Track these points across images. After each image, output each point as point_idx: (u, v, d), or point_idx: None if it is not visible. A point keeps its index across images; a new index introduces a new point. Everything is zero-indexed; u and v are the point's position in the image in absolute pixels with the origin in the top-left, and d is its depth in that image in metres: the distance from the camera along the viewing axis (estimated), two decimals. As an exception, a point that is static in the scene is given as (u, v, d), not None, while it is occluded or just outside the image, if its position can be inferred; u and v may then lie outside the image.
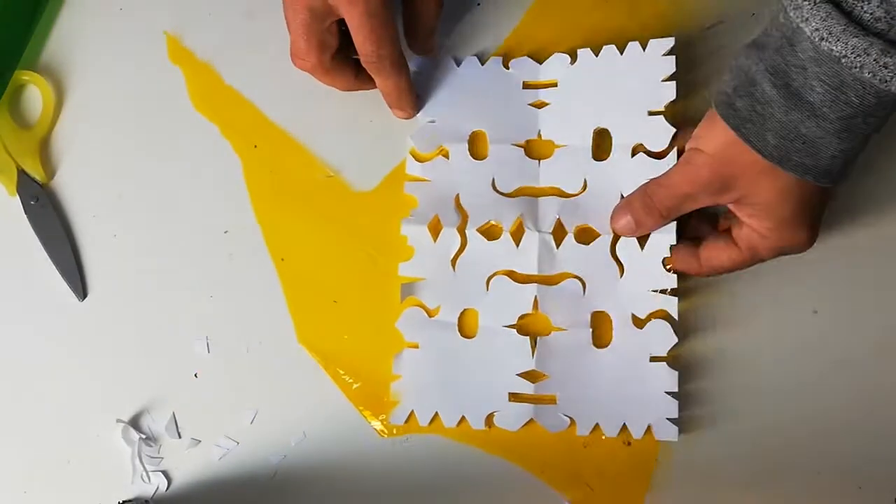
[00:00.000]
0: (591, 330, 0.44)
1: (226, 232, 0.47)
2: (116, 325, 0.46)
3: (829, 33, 0.34)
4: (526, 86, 0.47)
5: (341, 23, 0.43)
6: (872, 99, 0.35)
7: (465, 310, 0.45)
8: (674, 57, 0.45)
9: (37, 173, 0.47)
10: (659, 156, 0.45)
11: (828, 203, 0.40)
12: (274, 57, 0.47)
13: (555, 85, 0.47)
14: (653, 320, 0.44)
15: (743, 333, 0.46)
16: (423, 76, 0.48)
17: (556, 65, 0.47)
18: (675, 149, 0.44)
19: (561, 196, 0.46)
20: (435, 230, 0.46)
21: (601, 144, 0.46)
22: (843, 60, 0.34)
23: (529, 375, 0.44)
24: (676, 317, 0.44)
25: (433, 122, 0.47)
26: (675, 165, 0.42)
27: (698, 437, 0.44)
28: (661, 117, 0.45)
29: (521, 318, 0.45)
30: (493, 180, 0.46)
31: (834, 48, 0.34)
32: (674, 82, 0.45)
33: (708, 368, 0.45)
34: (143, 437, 0.45)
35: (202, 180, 0.48)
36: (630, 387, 0.44)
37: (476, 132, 0.47)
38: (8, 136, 0.48)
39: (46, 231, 0.47)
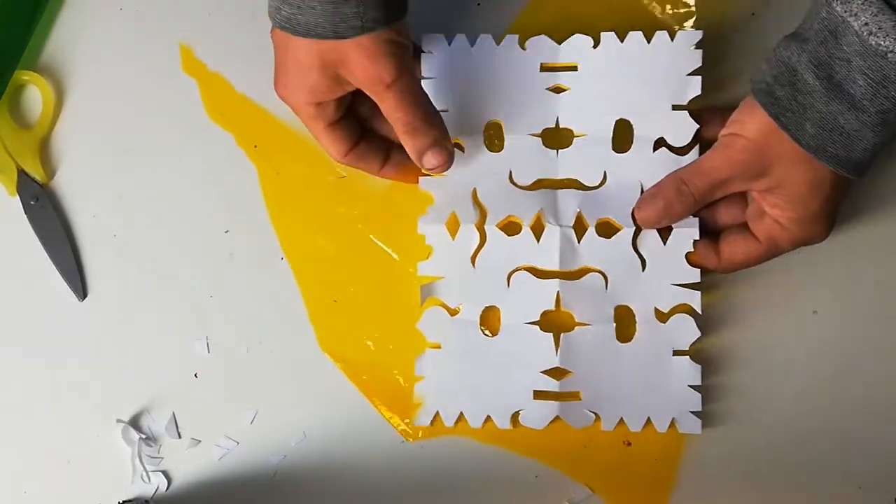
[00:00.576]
0: (614, 324, 0.44)
1: (226, 232, 0.47)
2: (116, 325, 0.46)
3: (879, 28, 0.35)
4: (543, 68, 0.45)
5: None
6: None
7: (486, 307, 0.44)
8: (701, 51, 0.43)
9: (37, 173, 0.47)
10: (681, 152, 0.43)
11: (844, 199, 0.41)
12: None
13: (575, 69, 0.45)
14: (676, 314, 0.44)
15: (747, 332, 0.46)
16: (433, 59, 0.45)
17: (578, 47, 0.45)
18: (697, 145, 0.43)
19: (580, 188, 0.44)
20: (453, 227, 0.44)
21: (621, 136, 0.44)
22: (890, 56, 0.35)
23: (554, 372, 0.43)
24: (700, 311, 0.43)
25: (446, 111, 0.45)
26: (710, 151, 0.42)
27: (704, 435, 0.44)
28: (686, 112, 0.43)
29: (544, 314, 0.44)
30: (511, 173, 0.45)
31: (882, 43, 0.35)
32: (700, 77, 0.43)
33: (721, 365, 0.45)
34: (144, 437, 0.45)
35: (202, 180, 0.48)
36: (654, 381, 0.43)
37: (491, 122, 0.45)
38: (8, 136, 0.48)
39: (46, 231, 0.47)
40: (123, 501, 0.44)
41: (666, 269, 0.44)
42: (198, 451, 0.45)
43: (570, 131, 0.45)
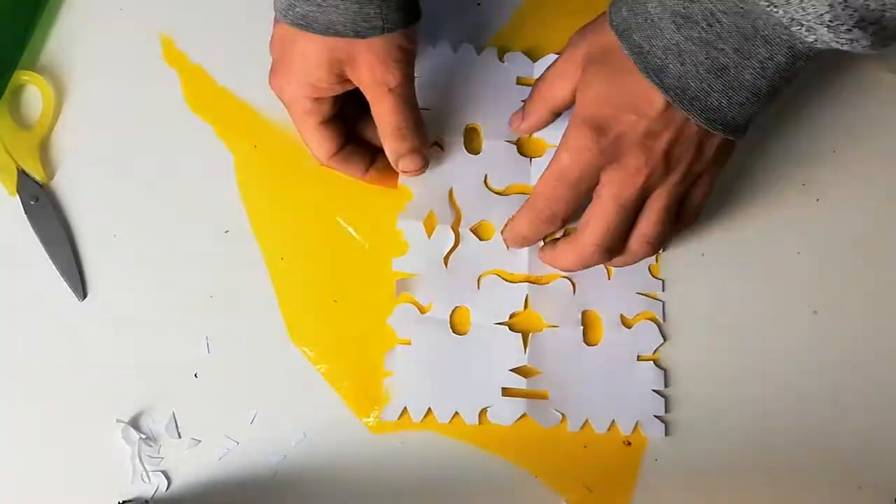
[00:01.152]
0: (581, 328, 0.45)
1: (226, 232, 0.47)
2: (116, 325, 0.46)
3: None
4: (519, 82, 0.48)
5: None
6: None
7: (456, 307, 0.45)
8: None
9: (37, 173, 0.47)
10: None
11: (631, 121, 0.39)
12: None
13: None
14: (641, 321, 0.45)
15: (739, 333, 0.46)
16: (417, 58, 0.47)
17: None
18: None
19: None
20: (430, 226, 0.46)
21: None
22: None
23: (522, 371, 0.45)
24: (663, 319, 0.45)
25: (428, 109, 0.47)
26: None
27: (693, 438, 0.44)
28: None
29: (513, 315, 0.45)
30: (486, 177, 0.47)
31: None
32: None
33: (705, 369, 0.45)
34: (143, 437, 0.45)
35: (203, 180, 0.48)
36: (619, 384, 0.45)
37: (470, 126, 0.47)
38: (8, 136, 0.48)
39: (46, 231, 0.47)
40: (123, 501, 0.44)
41: (630, 277, 0.46)
42: (198, 451, 0.45)
43: (543, 142, 0.47)
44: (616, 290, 0.46)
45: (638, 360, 0.45)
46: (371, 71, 0.40)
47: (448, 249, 0.46)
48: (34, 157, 0.47)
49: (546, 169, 0.41)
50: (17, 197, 0.47)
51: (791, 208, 0.49)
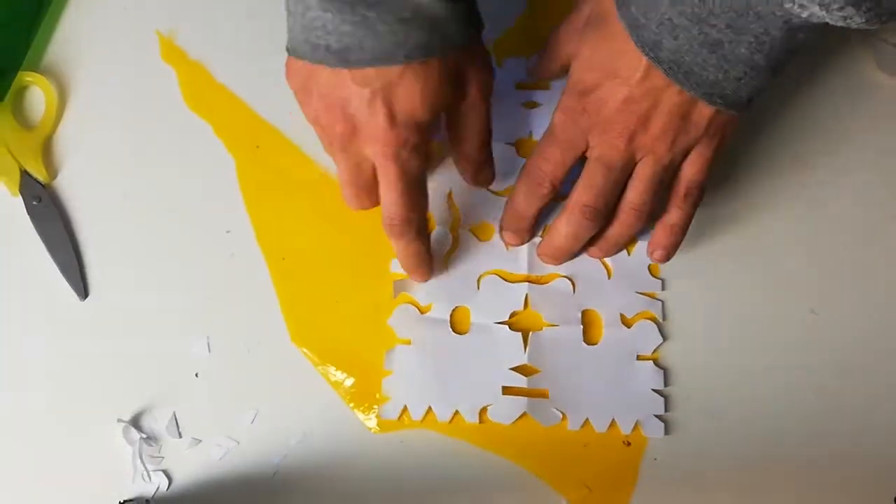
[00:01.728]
0: (581, 327, 0.45)
1: (227, 232, 0.47)
2: (117, 325, 0.46)
3: None
4: (519, 86, 0.48)
5: None
6: None
7: (456, 307, 0.46)
8: None
9: (39, 174, 0.48)
10: None
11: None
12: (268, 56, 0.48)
13: (547, 87, 0.48)
14: (640, 320, 0.46)
15: (739, 333, 0.46)
16: None
17: None
18: None
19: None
20: (429, 228, 0.46)
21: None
22: None
23: (522, 369, 0.45)
24: (662, 318, 0.46)
25: None
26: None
27: (693, 437, 0.44)
28: None
29: (513, 315, 0.45)
30: None
31: None
32: None
33: (704, 368, 0.45)
34: (144, 436, 0.45)
35: (204, 181, 0.48)
36: (619, 383, 0.45)
37: None
38: (11, 136, 0.48)
39: (48, 231, 0.47)
40: (124, 501, 0.44)
41: (630, 277, 0.46)
42: (198, 451, 0.45)
43: None
44: (616, 289, 0.46)
45: (637, 359, 0.45)
46: (478, 79, 0.40)
47: (447, 251, 0.46)
48: (37, 158, 0.48)
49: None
50: (20, 197, 0.47)
51: (791, 208, 0.49)
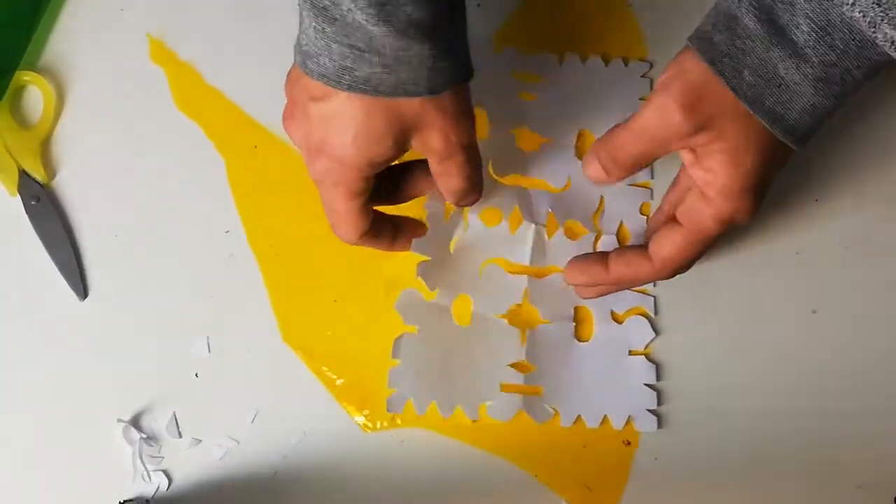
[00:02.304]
0: (573, 323, 0.46)
1: (227, 232, 0.47)
2: (117, 325, 0.46)
3: None
4: (515, 75, 0.49)
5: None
6: (855, 46, 0.34)
7: (458, 295, 0.46)
8: (649, 80, 0.49)
9: (38, 173, 0.48)
10: None
11: (776, 176, 0.38)
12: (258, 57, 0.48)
13: (542, 80, 0.49)
14: (631, 316, 0.46)
15: (732, 330, 0.46)
16: None
17: (544, 62, 0.49)
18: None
19: (549, 190, 0.47)
20: (448, 209, 0.46)
21: (582, 146, 0.48)
22: None
23: (519, 366, 0.45)
24: (654, 314, 0.46)
25: None
26: (640, 108, 0.38)
27: (686, 432, 0.45)
28: None
29: (512, 308, 0.46)
30: (491, 163, 0.47)
31: None
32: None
33: (697, 363, 0.46)
34: (144, 436, 0.45)
35: (203, 180, 0.48)
36: (611, 379, 0.45)
37: (477, 110, 0.47)
38: (9, 136, 0.48)
39: (47, 231, 0.47)
40: (124, 501, 0.44)
41: None
42: (198, 451, 0.45)
43: (538, 136, 0.48)
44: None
45: (630, 354, 0.45)
46: (444, 134, 0.37)
47: (457, 235, 0.46)
48: (35, 158, 0.48)
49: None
50: (19, 197, 0.47)
51: (789, 207, 0.49)
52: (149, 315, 0.46)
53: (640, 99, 0.48)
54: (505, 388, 0.45)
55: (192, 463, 0.45)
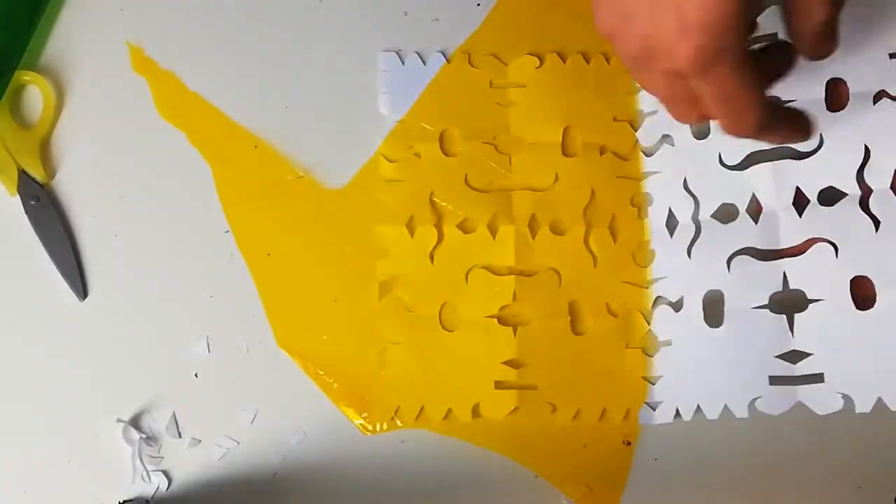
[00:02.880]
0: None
1: (226, 231, 0.47)
2: (117, 325, 0.46)
3: None
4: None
5: None
6: None
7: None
8: None
9: (37, 173, 0.47)
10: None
11: None
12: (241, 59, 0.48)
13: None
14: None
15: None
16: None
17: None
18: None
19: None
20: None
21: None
22: None
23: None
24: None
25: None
26: None
27: (690, 435, 0.44)
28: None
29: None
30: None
31: None
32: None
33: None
34: (144, 436, 0.45)
35: (203, 180, 0.48)
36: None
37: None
38: (8, 135, 0.48)
39: (47, 231, 0.47)
40: (123, 501, 0.44)
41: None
42: (198, 451, 0.45)
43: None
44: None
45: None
46: None
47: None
48: (35, 157, 0.48)
49: None
50: (18, 197, 0.47)
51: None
52: (149, 315, 0.46)
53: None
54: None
55: (191, 463, 0.45)
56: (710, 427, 0.44)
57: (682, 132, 0.46)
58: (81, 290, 0.47)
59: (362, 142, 0.48)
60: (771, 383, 0.41)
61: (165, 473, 0.45)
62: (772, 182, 0.43)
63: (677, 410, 0.44)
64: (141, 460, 0.45)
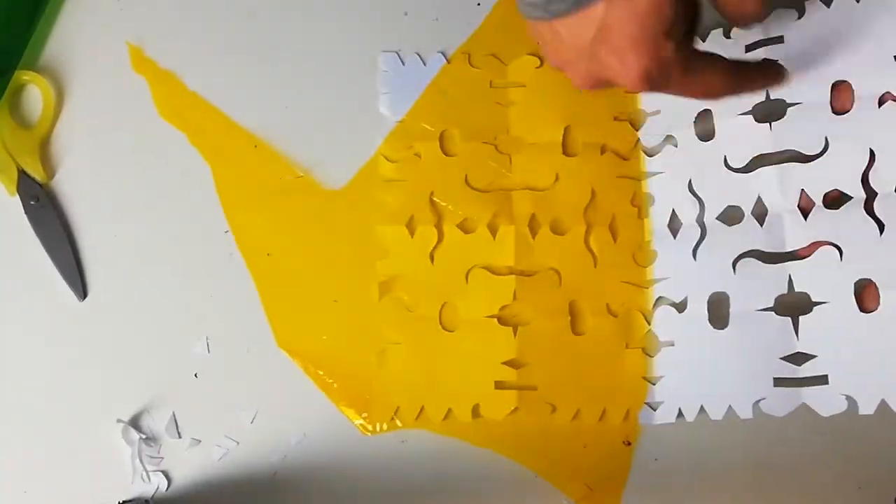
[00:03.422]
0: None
1: (226, 232, 0.47)
2: (116, 325, 0.46)
3: None
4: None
5: None
6: None
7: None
8: None
9: (37, 173, 0.47)
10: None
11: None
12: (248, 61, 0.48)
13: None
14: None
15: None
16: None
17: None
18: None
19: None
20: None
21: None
22: None
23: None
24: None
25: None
26: None
27: (690, 435, 0.44)
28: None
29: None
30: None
31: None
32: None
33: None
34: (144, 437, 0.45)
35: (202, 180, 0.48)
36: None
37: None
38: (8, 135, 0.48)
39: (47, 231, 0.47)
40: (123, 501, 0.44)
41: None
42: (198, 451, 0.45)
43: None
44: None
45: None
46: None
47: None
48: (34, 157, 0.48)
49: None
50: (18, 197, 0.47)
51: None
52: (148, 315, 0.46)
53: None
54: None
55: (191, 463, 0.45)
56: (710, 427, 0.44)
57: (686, 133, 0.46)
58: (81, 290, 0.46)
59: (362, 142, 0.48)
60: (775, 385, 0.42)
61: (165, 474, 0.45)
62: (777, 185, 0.43)
63: (680, 411, 0.44)
64: (141, 460, 0.44)
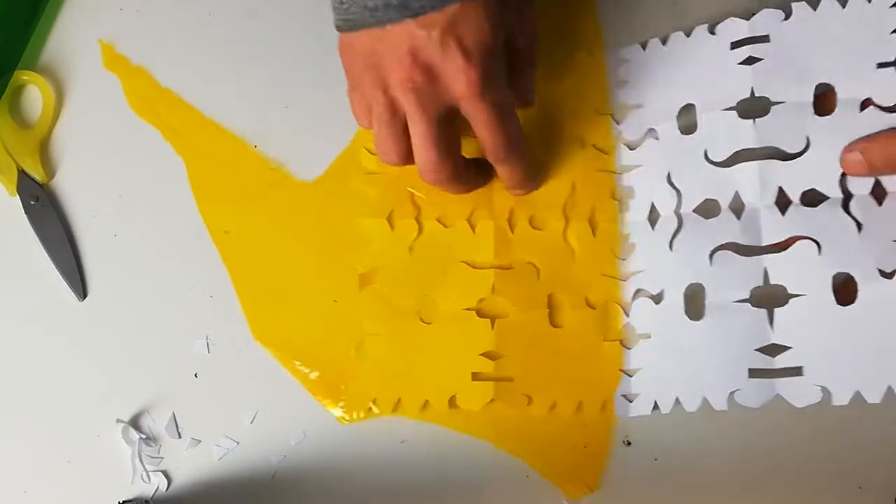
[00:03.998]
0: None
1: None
2: (116, 325, 0.46)
3: None
4: (734, 45, 0.45)
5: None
6: None
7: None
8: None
9: (37, 173, 0.47)
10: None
11: None
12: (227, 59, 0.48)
13: (767, 39, 0.44)
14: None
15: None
16: (629, 66, 0.47)
17: (768, 20, 0.45)
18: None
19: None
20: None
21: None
22: None
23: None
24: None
25: (641, 106, 0.47)
26: None
27: (689, 435, 0.44)
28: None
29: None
30: None
31: None
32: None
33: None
34: (144, 437, 0.45)
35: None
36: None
37: (684, 107, 0.46)
38: (8, 136, 0.48)
39: (46, 231, 0.47)
40: (123, 501, 0.44)
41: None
42: (198, 451, 0.45)
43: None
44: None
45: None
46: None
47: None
48: (34, 157, 0.48)
49: None
50: (17, 197, 0.47)
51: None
52: (148, 315, 0.46)
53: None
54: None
55: (191, 463, 0.45)
56: (710, 428, 0.44)
57: (668, 126, 0.46)
58: (81, 290, 0.47)
59: (335, 131, 0.47)
60: (750, 376, 0.42)
61: (165, 473, 0.45)
62: (756, 180, 0.43)
63: (655, 403, 0.44)
64: (141, 460, 0.45)
